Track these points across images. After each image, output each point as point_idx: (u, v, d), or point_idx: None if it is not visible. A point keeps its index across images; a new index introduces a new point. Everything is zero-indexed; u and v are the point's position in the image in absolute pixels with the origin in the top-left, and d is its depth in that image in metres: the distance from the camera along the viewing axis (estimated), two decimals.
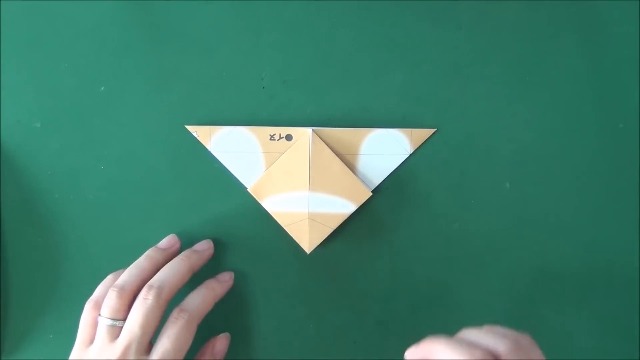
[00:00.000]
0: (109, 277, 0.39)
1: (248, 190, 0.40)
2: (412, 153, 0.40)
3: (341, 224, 0.40)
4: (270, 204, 0.40)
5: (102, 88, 0.41)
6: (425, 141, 0.41)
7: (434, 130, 0.40)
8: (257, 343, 0.40)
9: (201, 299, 0.37)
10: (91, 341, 0.36)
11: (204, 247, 0.40)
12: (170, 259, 0.38)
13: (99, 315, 0.36)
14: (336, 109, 0.41)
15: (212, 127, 0.40)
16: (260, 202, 0.40)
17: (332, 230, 0.40)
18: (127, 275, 0.37)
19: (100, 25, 0.41)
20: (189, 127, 0.40)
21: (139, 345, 0.35)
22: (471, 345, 0.30)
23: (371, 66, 0.41)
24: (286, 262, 0.41)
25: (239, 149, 0.40)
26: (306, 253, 0.40)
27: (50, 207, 0.41)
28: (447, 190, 0.41)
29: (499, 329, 0.31)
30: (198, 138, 0.40)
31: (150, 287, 0.36)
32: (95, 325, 0.36)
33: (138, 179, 0.41)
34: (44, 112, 0.41)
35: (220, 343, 0.39)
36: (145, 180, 0.41)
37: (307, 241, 0.40)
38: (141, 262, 0.38)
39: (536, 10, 0.40)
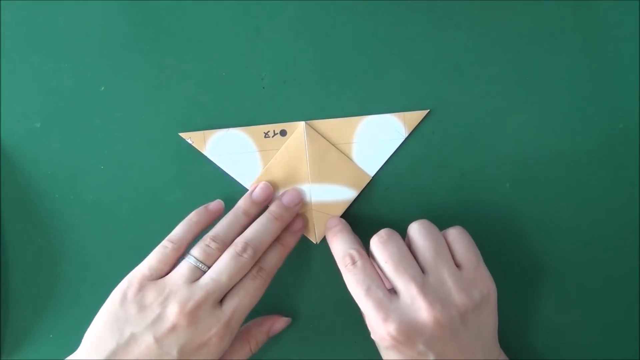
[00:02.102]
0: (192, 218, 0.38)
1: (248, 188, 0.40)
2: (407, 138, 0.40)
3: (347, 216, 0.40)
4: (273, 200, 0.40)
5: (102, 88, 0.41)
6: (425, 141, 0.41)
7: (427, 111, 0.40)
8: None
9: (278, 257, 0.38)
10: (159, 276, 0.36)
11: (295, 201, 0.39)
12: (262, 211, 0.39)
13: (188, 254, 0.36)
14: (337, 108, 0.41)
15: (205, 132, 0.40)
16: None
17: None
18: (227, 230, 0.37)
19: (100, 25, 0.41)
20: (183, 135, 0.40)
21: (218, 296, 0.35)
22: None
23: (371, 66, 0.41)
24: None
25: (234, 151, 0.40)
26: (314, 244, 0.41)
27: (50, 207, 0.41)
28: (447, 190, 0.41)
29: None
30: (193, 144, 0.40)
31: (247, 245, 0.36)
32: (170, 263, 0.36)
33: (138, 179, 0.41)
34: (44, 112, 0.41)
35: (280, 324, 0.40)
36: (145, 180, 0.41)
37: (314, 232, 0.40)
38: (239, 218, 0.38)
39: (536, 10, 0.40)
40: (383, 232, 0.36)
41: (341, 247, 0.37)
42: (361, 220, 0.41)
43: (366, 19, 0.41)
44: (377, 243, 0.35)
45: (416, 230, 0.36)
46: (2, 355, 0.41)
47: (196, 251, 0.36)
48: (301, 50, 0.41)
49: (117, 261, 0.41)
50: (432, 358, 0.33)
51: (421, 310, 0.33)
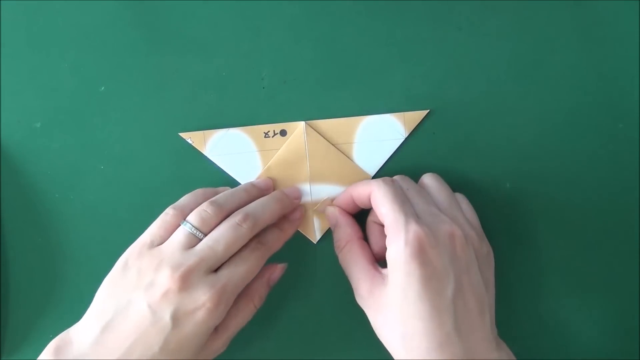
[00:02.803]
0: (199, 190, 0.38)
1: None
2: (407, 138, 0.40)
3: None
4: None
5: (102, 88, 0.41)
6: (425, 141, 0.41)
7: (427, 111, 0.40)
8: (256, 342, 0.40)
9: (277, 238, 0.38)
10: (159, 243, 0.36)
11: (295, 195, 0.40)
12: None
13: (184, 220, 0.36)
14: (337, 108, 0.41)
15: (205, 132, 0.40)
16: None
17: None
18: (226, 198, 0.37)
19: (100, 25, 0.41)
20: (183, 135, 0.40)
21: (213, 264, 0.34)
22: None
23: (371, 66, 0.41)
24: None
25: (234, 151, 0.40)
26: (314, 244, 0.41)
27: (50, 207, 0.41)
28: None
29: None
30: (193, 144, 0.40)
31: (247, 216, 0.36)
32: (171, 230, 0.36)
33: (138, 179, 0.41)
34: (44, 112, 0.41)
35: (278, 272, 0.39)
36: (145, 180, 0.41)
37: (313, 231, 0.40)
38: (239, 192, 0.38)
39: (536, 10, 0.40)
40: (402, 175, 0.38)
41: (372, 180, 0.37)
42: (361, 220, 0.40)
43: (366, 19, 0.41)
44: (398, 177, 0.37)
45: (430, 178, 0.38)
46: (2, 355, 0.41)
47: (193, 217, 0.36)
48: (301, 50, 0.41)
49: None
50: (452, 280, 0.33)
51: (444, 222, 0.34)
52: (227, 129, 0.40)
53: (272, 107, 0.41)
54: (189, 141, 0.40)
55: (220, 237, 0.35)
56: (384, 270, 0.35)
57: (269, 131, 0.40)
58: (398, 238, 0.33)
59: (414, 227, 0.33)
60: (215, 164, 0.40)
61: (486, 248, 0.36)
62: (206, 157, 0.40)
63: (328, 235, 0.41)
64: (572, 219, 0.41)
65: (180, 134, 0.40)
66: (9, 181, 0.41)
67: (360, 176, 0.40)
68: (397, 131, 0.40)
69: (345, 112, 0.41)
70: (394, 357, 0.34)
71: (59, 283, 0.41)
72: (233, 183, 0.41)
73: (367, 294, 0.35)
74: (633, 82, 0.40)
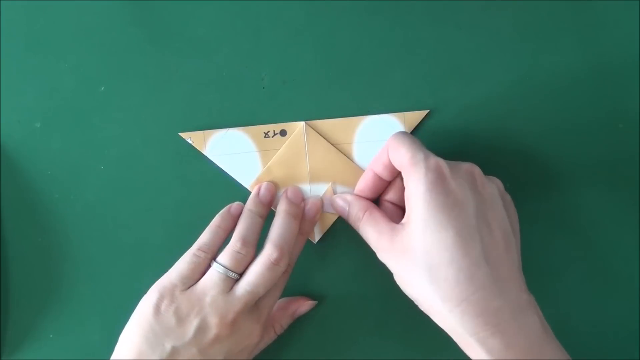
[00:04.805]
0: (219, 224, 0.38)
1: (248, 188, 0.40)
2: None
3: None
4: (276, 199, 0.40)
5: (102, 88, 0.41)
6: (425, 141, 0.41)
7: (427, 111, 0.40)
8: None
9: (300, 247, 0.39)
10: (190, 285, 0.36)
11: (298, 199, 0.40)
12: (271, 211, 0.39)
13: (215, 261, 0.36)
14: (337, 108, 0.41)
15: (205, 132, 0.40)
16: None
17: (337, 217, 0.40)
18: (249, 231, 0.37)
19: (100, 25, 0.41)
20: (183, 135, 0.40)
21: (255, 301, 0.36)
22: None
23: (371, 66, 0.41)
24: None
25: (234, 151, 0.40)
26: (314, 244, 0.41)
27: (50, 207, 0.41)
28: None
29: None
30: (193, 144, 0.40)
31: (283, 253, 0.36)
32: (201, 271, 0.36)
33: (138, 179, 0.41)
34: (44, 112, 0.41)
35: (305, 308, 0.40)
36: (145, 180, 0.41)
37: (313, 231, 0.41)
38: (256, 219, 0.38)
39: (536, 10, 0.40)
40: None
41: None
42: None
43: (366, 19, 0.41)
44: None
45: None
46: (2, 355, 0.41)
47: (226, 260, 0.36)
48: (301, 50, 0.41)
49: (117, 261, 0.41)
50: (473, 209, 0.32)
51: (464, 163, 0.34)
52: (227, 129, 0.40)
53: (272, 107, 0.41)
54: (189, 141, 0.40)
55: (260, 281, 0.36)
56: (402, 220, 0.34)
57: (269, 131, 0.40)
58: (418, 170, 0.33)
59: (433, 159, 0.33)
60: (215, 164, 0.40)
61: (509, 198, 0.36)
62: (206, 157, 0.40)
63: (328, 235, 0.41)
64: (572, 219, 0.41)
65: (180, 134, 0.40)
66: (9, 181, 0.41)
67: (359, 175, 0.40)
68: (398, 131, 0.40)
69: (345, 112, 0.41)
70: (423, 305, 0.33)
71: (59, 283, 0.41)
72: (233, 183, 0.41)
73: (388, 245, 0.34)
74: (633, 82, 0.40)
